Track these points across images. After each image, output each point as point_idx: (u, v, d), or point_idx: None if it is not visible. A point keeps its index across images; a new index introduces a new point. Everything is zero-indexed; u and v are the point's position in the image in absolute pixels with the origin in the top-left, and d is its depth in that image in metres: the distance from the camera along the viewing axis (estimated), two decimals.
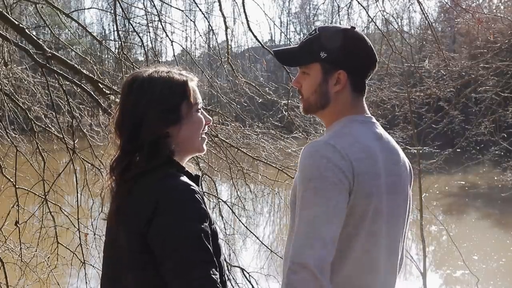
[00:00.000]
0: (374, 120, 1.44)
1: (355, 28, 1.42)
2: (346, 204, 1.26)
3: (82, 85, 4.39)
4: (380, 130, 1.43)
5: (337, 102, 1.41)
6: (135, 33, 5.47)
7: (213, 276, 1.19)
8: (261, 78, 7.27)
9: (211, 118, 1.45)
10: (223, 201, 4.90)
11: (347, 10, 5.54)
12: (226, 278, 1.38)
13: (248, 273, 4.43)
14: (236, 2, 5.36)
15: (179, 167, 1.36)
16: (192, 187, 1.28)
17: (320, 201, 1.24)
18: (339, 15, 5.78)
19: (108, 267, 1.37)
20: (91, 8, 9.62)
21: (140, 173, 1.30)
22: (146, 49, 5.30)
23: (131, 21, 5.16)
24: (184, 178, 1.30)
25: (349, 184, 1.26)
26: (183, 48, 6.85)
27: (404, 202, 1.42)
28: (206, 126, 1.44)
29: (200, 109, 1.42)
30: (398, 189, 1.39)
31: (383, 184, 1.32)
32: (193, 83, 1.42)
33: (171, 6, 5.84)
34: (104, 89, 4.11)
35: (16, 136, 5.62)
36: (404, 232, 1.46)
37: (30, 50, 4.24)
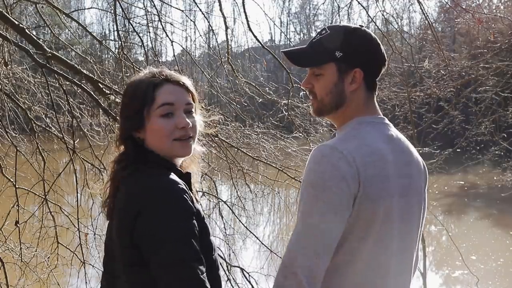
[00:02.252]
0: (386, 121, 1.43)
1: (363, 26, 1.42)
2: (348, 213, 1.26)
3: (82, 85, 4.38)
4: (392, 131, 1.41)
5: (352, 102, 1.39)
6: (135, 33, 5.48)
7: (201, 275, 1.19)
8: (261, 78, 7.28)
9: (187, 122, 1.36)
10: (223, 201, 4.89)
11: (347, 10, 5.57)
12: (222, 274, 1.39)
13: (248, 273, 4.43)
14: (236, 2, 5.37)
15: (168, 165, 1.37)
16: (178, 185, 1.27)
17: (318, 210, 1.25)
18: (339, 15, 5.78)
19: (106, 265, 1.39)
20: (91, 8, 9.61)
21: (121, 172, 1.35)
22: (146, 49, 5.31)
23: (131, 21, 5.15)
24: (172, 176, 1.30)
25: (353, 192, 1.25)
26: (183, 48, 6.85)
27: (418, 203, 1.41)
28: (189, 130, 1.37)
29: (170, 113, 1.35)
30: (411, 191, 1.37)
31: (393, 187, 1.30)
32: (167, 85, 1.37)
33: (171, 6, 5.83)
34: (104, 89, 4.11)
35: (16, 136, 5.62)
36: (419, 233, 1.45)
37: (30, 50, 4.24)
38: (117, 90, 4.16)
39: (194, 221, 1.25)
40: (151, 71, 1.41)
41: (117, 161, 1.39)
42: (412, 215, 1.39)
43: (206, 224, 1.33)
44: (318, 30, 1.45)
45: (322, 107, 1.42)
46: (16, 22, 4.18)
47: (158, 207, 1.23)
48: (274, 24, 5.80)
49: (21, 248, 4.47)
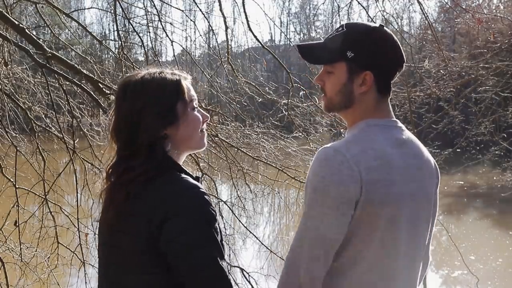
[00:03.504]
0: (399, 124, 1.40)
1: (383, 26, 1.38)
2: (348, 218, 1.25)
3: (82, 85, 4.39)
4: (405, 134, 1.38)
5: (361, 103, 1.37)
6: (135, 33, 5.49)
7: (228, 275, 1.24)
8: (261, 78, 7.27)
9: (208, 115, 1.45)
10: (223, 201, 4.89)
11: (347, 10, 5.57)
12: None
13: (247, 273, 4.43)
14: (236, 2, 5.38)
15: (180, 169, 1.36)
16: (201, 189, 1.28)
17: (318, 214, 1.25)
18: (339, 15, 5.80)
19: (107, 270, 1.36)
20: (91, 8, 9.64)
21: (140, 177, 1.28)
22: (146, 49, 5.31)
23: (131, 21, 5.16)
24: (193, 181, 1.31)
25: (353, 197, 1.24)
26: (183, 48, 6.85)
27: (427, 208, 1.39)
28: (205, 123, 1.44)
29: (196, 107, 1.41)
30: (420, 195, 1.35)
31: (400, 192, 1.28)
32: (186, 81, 1.41)
33: (171, 6, 5.86)
34: (104, 89, 4.11)
35: (16, 136, 5.63)
36: (429, 237, 1.43)
37: (30, 50, 4.24)
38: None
39: (217, 225, 1.27)
40: (164, 70, 1.40)
41: (137, 165, 1.29)
42: (420, 220, 1.37)
43: (220, 227, 1.34)
44: (336, 27, 1.42)
45: (331, 105, 1.41)
46: (16, 22, 4.18)
47: (187, 213, 1.23)
48: (274, 24, 5.84)
49: (21, 248, 4.47)
